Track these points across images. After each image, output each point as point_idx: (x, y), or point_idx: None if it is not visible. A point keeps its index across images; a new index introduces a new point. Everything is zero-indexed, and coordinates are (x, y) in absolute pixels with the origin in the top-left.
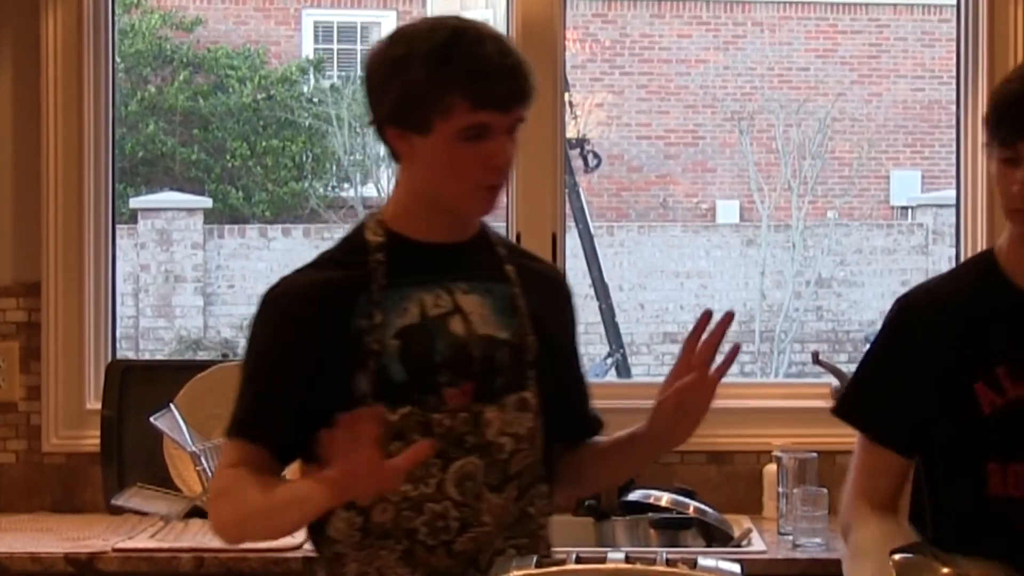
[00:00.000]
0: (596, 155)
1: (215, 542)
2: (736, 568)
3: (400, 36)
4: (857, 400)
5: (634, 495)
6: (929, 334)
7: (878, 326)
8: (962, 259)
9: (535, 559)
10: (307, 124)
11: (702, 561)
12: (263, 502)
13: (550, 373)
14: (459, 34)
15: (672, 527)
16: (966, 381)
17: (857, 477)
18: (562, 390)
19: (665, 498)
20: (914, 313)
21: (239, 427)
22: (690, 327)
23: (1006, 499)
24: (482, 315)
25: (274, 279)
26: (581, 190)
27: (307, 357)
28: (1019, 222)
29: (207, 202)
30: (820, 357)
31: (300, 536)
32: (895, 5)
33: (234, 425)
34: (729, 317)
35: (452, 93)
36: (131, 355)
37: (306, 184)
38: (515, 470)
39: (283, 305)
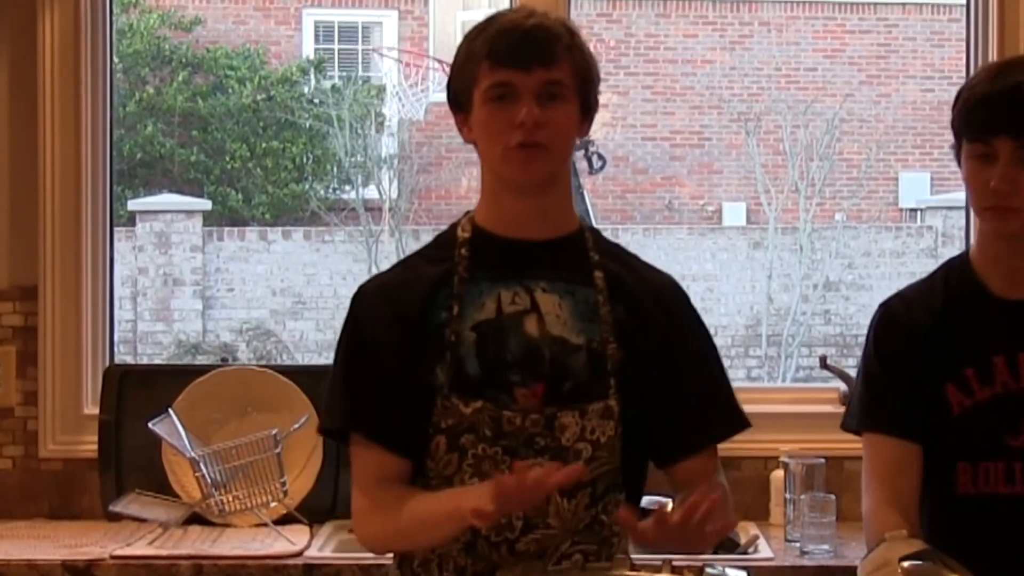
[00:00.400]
0: (601, 156)
1: (214, 549)
2: (743, 575)
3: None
4: (860, 408)
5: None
6: (906, 337)
7: None
8: None
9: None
10: (307, 125)
11: (709, 568)
12: (417, 519)
13: (636, 384)
14: (498, 13)
15: None
16: (937, 382)
17: (875, 487)
18: (651, 404)
19: (671, 504)
20: (893, 317)
21: (344, 422)
22: None
23: (976, 497)
24: (558, 316)
25: (274, 282)
26: (585, 192)
27: (390, 351)
28: (991, 219)
29: (206, 204)
30: (828, 361)
31: (300, 543)
32: (904, 4)
33: (337, 420)
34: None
35: (478, 60)
36: (129, 359)
37: (306, 186)
38: (590, 477)
39: (364, 303)
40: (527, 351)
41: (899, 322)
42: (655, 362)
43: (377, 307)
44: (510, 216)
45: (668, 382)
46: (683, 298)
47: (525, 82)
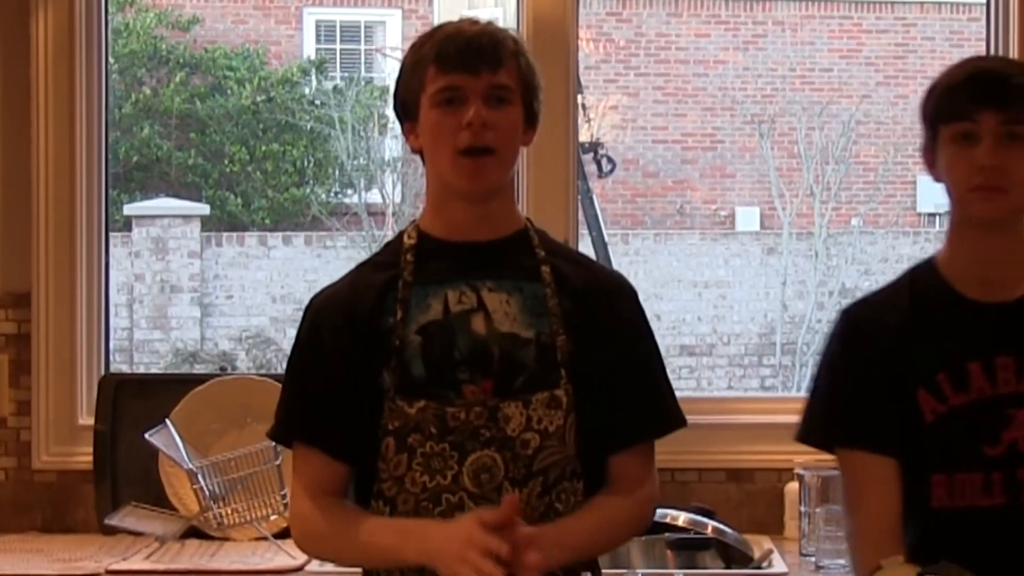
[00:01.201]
0: (610, 159)
1: (213, 563)
2: None
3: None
4: (827, 421)
5: None
6: (872, 342)
7: None
8: None
9: None
10: (309, 127)
11: None
12: (368, 554)
13: (586, 374)
14: (444, 24)
15: (690, 548)
16: (908, 389)
17: (858, 508)
18: (601, 392)
19: (682, 517)
20: (857, 323)
21: (286, 429)
22: (708, 339)
23: (953, 511)
24: (506, 313)
25: (274, 289)
26: (595, 196)
27: (341, 359)
28: (978, 201)
29: (204, 209)
30: None
31: (301, 557)
32: (922, 3)
33: (281, 427)
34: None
35: (425, 66)
36: (125, 368)
37: (307, 190)
38: (540, 466)
39: (314, 313)
40: (475, 349)
41: (864, 328)
42: (599, 354)
43: (326, 317)
44: (456, 222)
45: (607, 376)
46: (630, 295)
47: (472, 85)
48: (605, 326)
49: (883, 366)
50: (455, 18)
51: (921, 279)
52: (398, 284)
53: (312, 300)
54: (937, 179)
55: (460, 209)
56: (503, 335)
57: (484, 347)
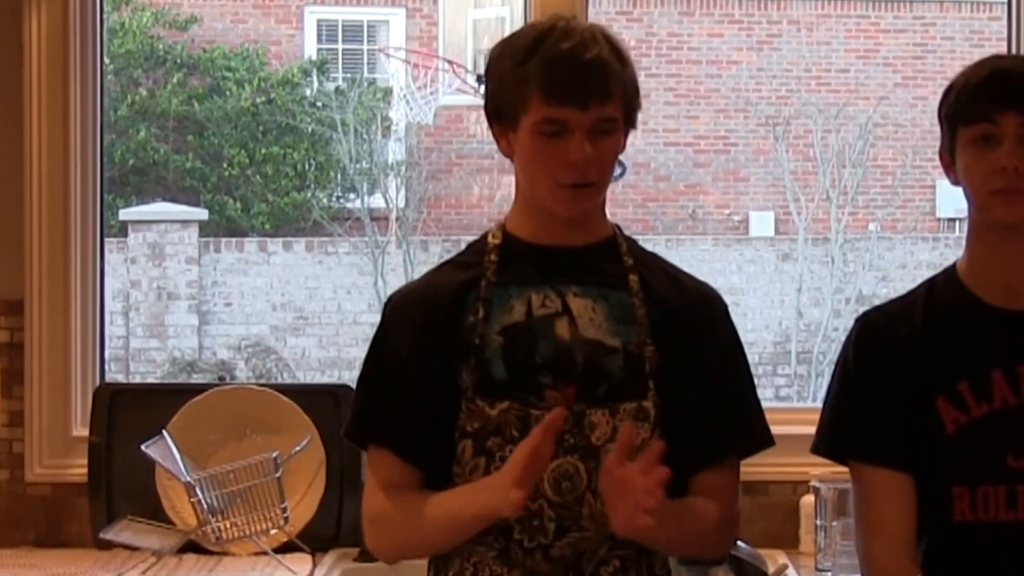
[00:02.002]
0: (620, 163)
1: None
2: None
3: (504, 37)
4: (841, 432)
5: None
6: (889, 350)
7: None
8: None
9: None
10: (310, 130)
11: None
12: (439, 524)
13: (673, 387)
14: (549, 30)
15: (702, 563)
16: (927, 398)
17: (870, 525)
18: (688, 407)
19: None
20: (873, 331)
21: (361, 429)
22: None
23: (975, 525)
24: (591, 319)
25: (274, 296)
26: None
27: (418, 358)
28: (999, 204)
29: (202, 214)
30: None
31: (302, 573)
32: (942, 2)
33: (356, 427)
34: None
35: (529, 87)
36: (121, 378)
37: (309, 194)
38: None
39: (391, 310)
40: (558, 353)
41: (879, 336)
42: (686, 368)
43: (403, 314)
44: (545, 227)
45: (695, 390)
46: (720, 308)
47: (580, 120)
48: (694, 338)
49: (899, 375)
50: (462, 16)
51: (941, 287)
52: (480, 284)
53: (390, 297)
54: (956, 182)
55: (551, 220)
56: (588, 341)
57: (568, 352)
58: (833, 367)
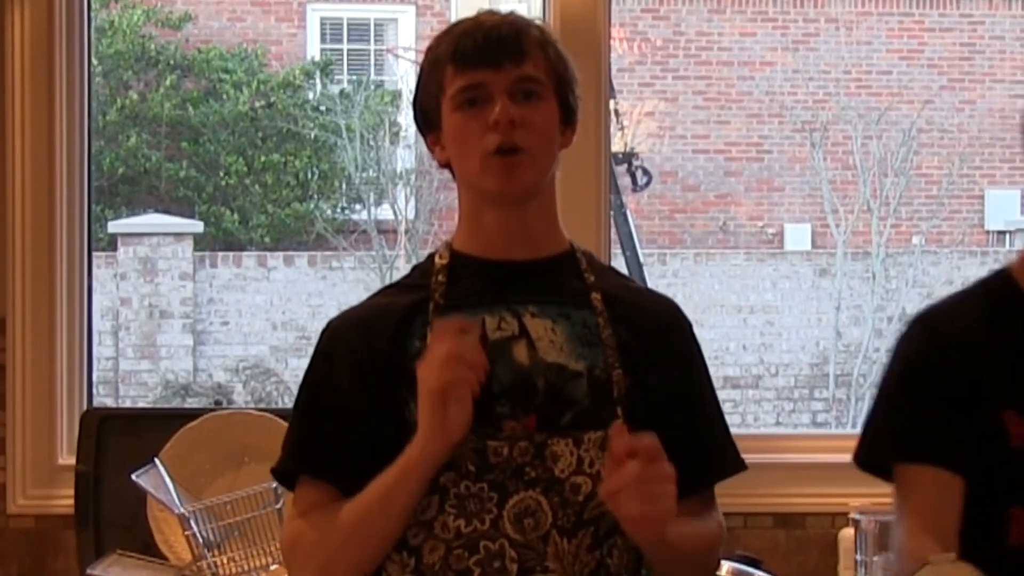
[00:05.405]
0: (646, 172)
1: None
2: None
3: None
4: (889, 437)
5: None
6: (955, 353)
7: None
8: None
9: None
10: (313, 136)
11: None
12: (364, 505)
13: (643, 414)
14: (460, 20)
15: None
16: (992, 408)
17: (911, 518)
18: (660, 437)
19: (727, 567)
20: (936, 331)
21: (292, 462)
22: (754, 371)
23: None
24: (552, 341)
25: (275, 314)
26: (629, 212)
27: (358, 387)
28: None
29: (197, 226)
30: None
31: None
32: None
33: (286, 461)
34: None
35: (443, 68)
36: (110, 402)
37: (311, 205)
38: (591, 515)
39: (330, 337)
40: (516, 380)
41: (945, 339)
42: (656, 392)
43: (342, 339)
44: (491, 236)
45: (668, 417)
46: (687, 326)
47: (496, 80)
48: (662, 361)
49: (962, 381)
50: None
51: (995, 291)
52: (427, 307)
53: (329, 322)
54: None
55: (495, 221)
56: (549, 365)
57: (527, 378)
58: (883, 371)
